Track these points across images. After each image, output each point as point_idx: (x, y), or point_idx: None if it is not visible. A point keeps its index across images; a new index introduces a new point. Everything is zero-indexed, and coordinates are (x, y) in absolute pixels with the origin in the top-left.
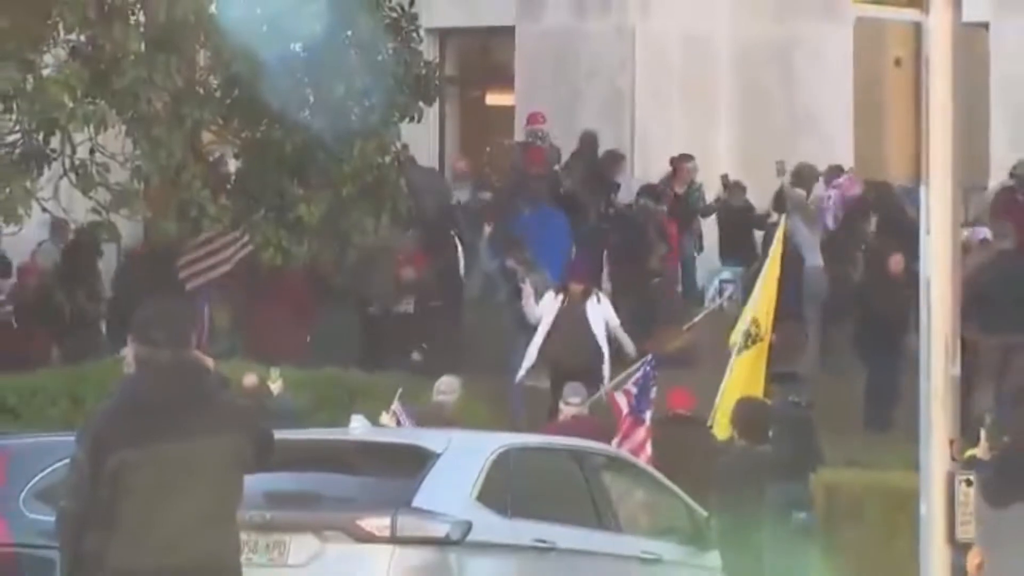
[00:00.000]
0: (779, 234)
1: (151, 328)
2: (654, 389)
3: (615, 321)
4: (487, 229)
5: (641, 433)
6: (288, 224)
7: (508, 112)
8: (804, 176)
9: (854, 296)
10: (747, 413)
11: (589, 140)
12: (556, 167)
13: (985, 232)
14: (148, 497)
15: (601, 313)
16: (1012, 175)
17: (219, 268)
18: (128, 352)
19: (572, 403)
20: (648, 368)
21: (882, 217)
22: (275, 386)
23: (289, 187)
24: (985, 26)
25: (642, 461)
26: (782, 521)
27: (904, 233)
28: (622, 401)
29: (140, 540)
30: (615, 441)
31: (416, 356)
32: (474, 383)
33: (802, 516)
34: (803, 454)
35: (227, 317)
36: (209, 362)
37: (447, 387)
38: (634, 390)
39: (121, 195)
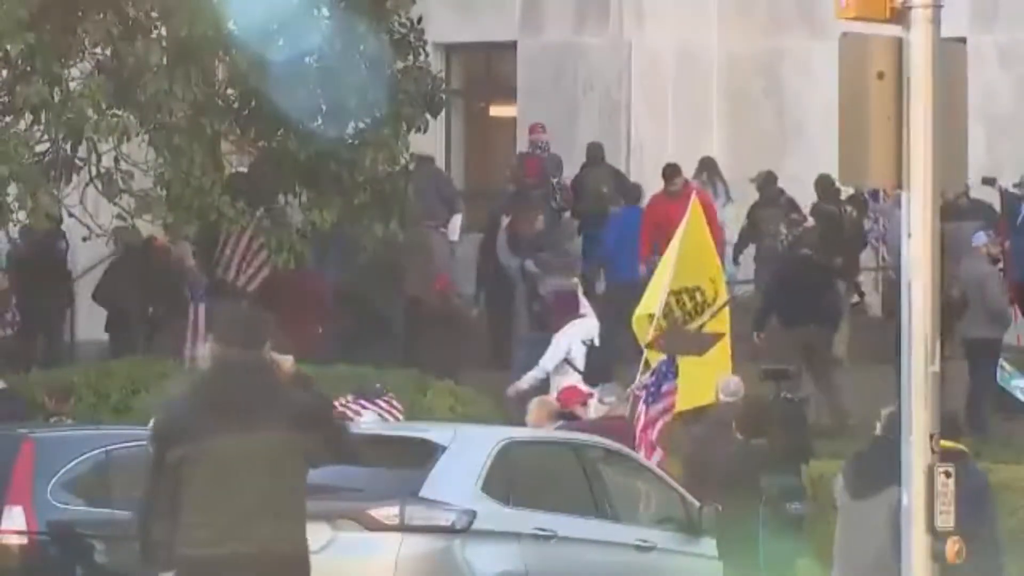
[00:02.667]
0: (692, 205)
1: (227, 329)
2: (665, 385)
3: (548, 362)
4: (504, 223)
5: (639, 425)
6: (302, 229)
7: (510, 123)
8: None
9: None
10: (746, 409)
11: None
12: (554, 179)
13: (982, 239)
14: (206, 488)
15: (557, 343)
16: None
17: (261, 265)
18: (205, 350)
19: (606, 402)
20: (664, 367)
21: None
22: None
23: (303, 194)
24: (963, 40)
25: (645, 455)
26: (777, 511)
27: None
28: (641, 396)
29: (199, 529)
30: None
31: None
32: (476, 379)
33: (795, 506)
34: (796, 448)
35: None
36: (287, 362)
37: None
38: (650, 386)
39: (144, 201)
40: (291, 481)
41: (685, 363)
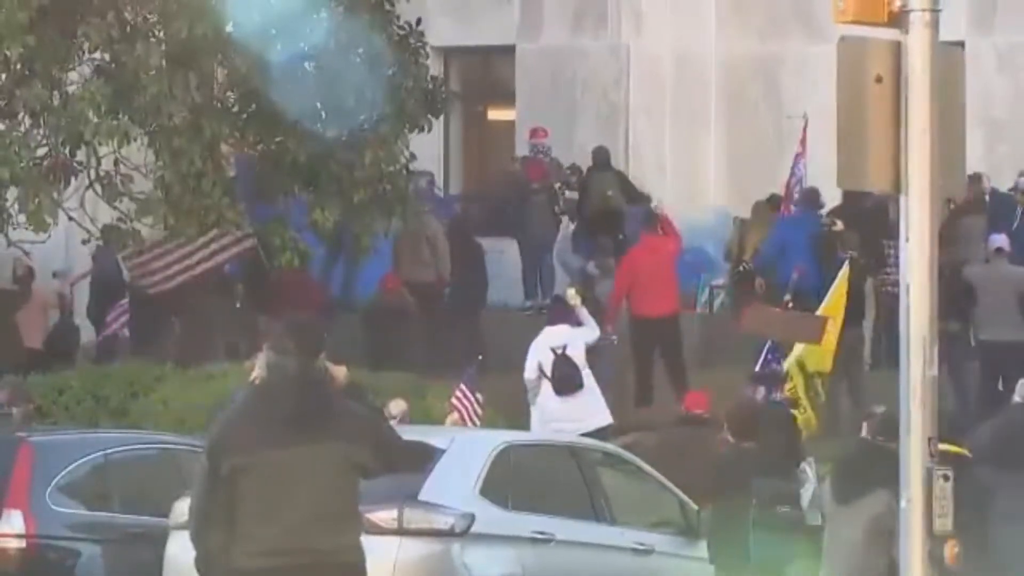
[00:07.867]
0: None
1: (281, 339)
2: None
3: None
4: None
5: None
6: (304, 228)
7: (509, 126)
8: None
9: None
10: (737, 412)
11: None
12: (556, 184)
13: (1001, 241)
14: (261, 498)
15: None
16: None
17: (197, 268)
18: (259, 358)
19: None
20: (768, 354)
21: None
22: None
23: (304, 194)
24: (961, 44)
25: None
26: (767, 514)
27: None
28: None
29: (255, 540)
30: None
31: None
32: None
33: (786, 510)
34: (787, 451)
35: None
36: (341, 372)
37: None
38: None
39: (145, 203)
40: (346, 491)
41: None
